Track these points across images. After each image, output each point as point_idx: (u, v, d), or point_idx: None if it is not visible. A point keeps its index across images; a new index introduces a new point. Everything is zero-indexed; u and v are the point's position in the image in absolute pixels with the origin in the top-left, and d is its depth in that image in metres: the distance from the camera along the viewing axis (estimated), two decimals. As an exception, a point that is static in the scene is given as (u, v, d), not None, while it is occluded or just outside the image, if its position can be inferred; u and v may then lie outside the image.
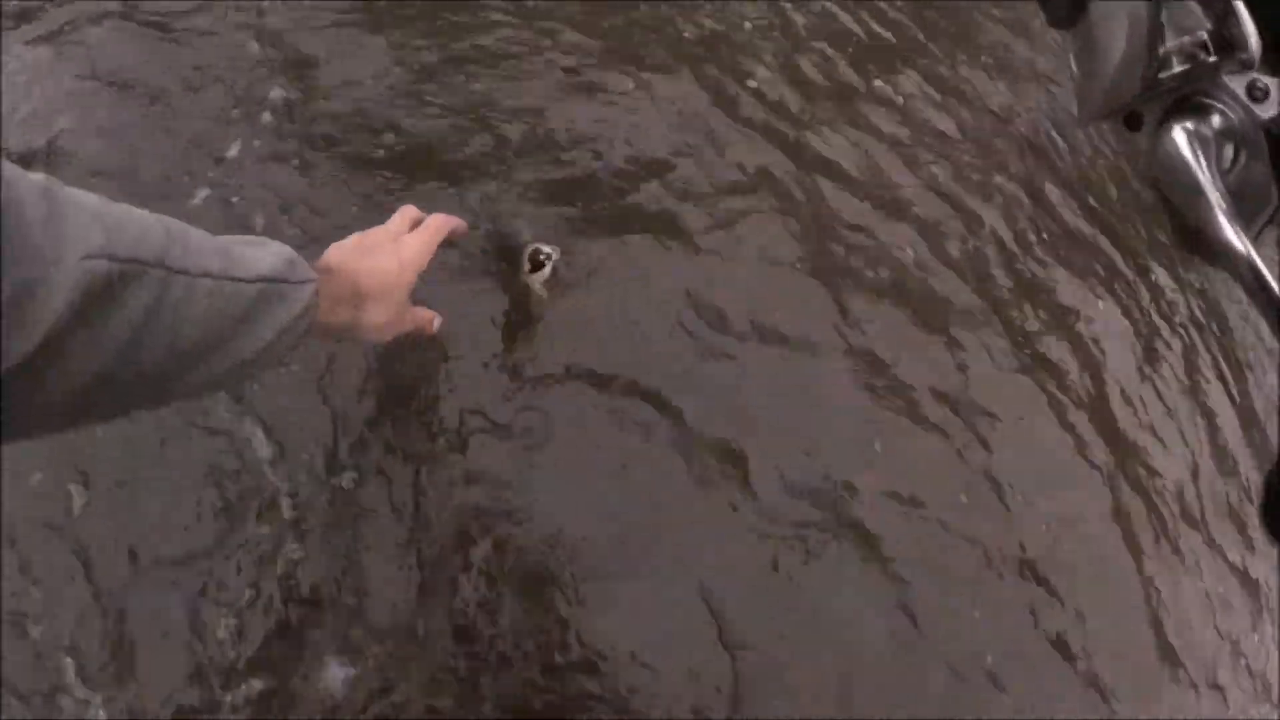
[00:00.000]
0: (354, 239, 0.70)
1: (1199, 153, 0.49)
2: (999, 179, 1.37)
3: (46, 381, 0.38)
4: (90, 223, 0.39)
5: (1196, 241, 0.55)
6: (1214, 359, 1.46)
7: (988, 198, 1.33)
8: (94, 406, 0.43)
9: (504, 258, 0.95)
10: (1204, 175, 0.49)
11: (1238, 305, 1.61)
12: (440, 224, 0.76)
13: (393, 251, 0.70)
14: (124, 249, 0.40)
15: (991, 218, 1.30)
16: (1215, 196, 0.50)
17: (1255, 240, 0.49)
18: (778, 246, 1.07)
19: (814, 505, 0.90)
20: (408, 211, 0.77)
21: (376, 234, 0.72)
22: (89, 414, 0.44)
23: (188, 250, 0.44)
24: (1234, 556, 1.21)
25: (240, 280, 0.48)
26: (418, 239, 0.73)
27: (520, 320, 0.94)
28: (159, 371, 0.44)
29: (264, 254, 0.52)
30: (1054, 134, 1.55)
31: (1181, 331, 1.44)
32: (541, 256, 0.93)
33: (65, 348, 0.38)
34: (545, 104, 1.09)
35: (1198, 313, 1.51)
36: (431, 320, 0.77)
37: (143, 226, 0.43)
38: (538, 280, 0.94)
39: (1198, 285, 1.56)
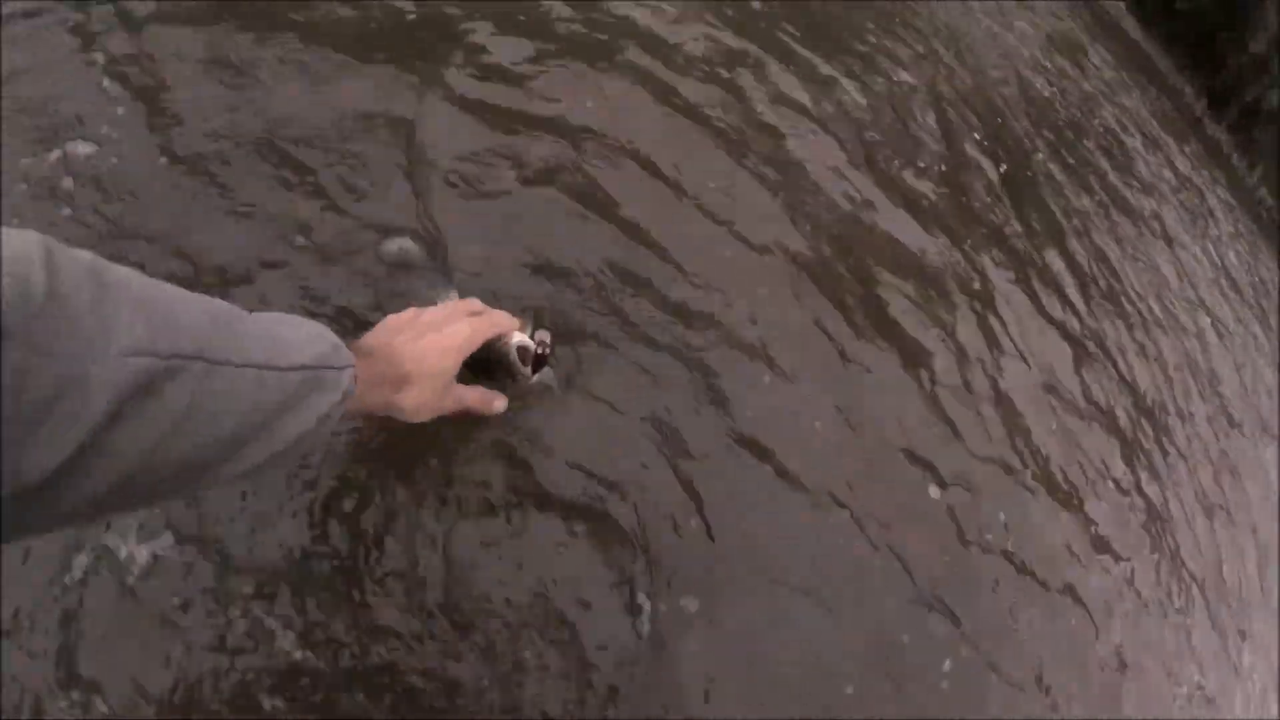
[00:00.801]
0: (408, 314, 0.70)
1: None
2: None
3: (73, 485, 0.35)
4: (135, 312, 0.37)
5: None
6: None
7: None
8: (121, 501, 0.39)
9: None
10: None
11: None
12: (499, 319, 0.75)
13: (438, 336, 0.67)
14: (167, 343, 0.38)
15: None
16: None
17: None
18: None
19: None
20: (471, 303, 0.75)
21: (432, 314, 0.71)
22: (114, 508, 0.39)
23: (233, 338, 0.43)
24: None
25: (283, 369, 0.45)
26: (469, 326, 0.71)
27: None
28: (194, 462, 0.41)
29: (306, 337, 0.49)
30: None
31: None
32: (537, 349, 0.78)
33: (99, 448, 0.35)
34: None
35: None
36: (489, 401, 0.74)
37: (189, 315, 0.41)
38: (545, 375, 0.84)
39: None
